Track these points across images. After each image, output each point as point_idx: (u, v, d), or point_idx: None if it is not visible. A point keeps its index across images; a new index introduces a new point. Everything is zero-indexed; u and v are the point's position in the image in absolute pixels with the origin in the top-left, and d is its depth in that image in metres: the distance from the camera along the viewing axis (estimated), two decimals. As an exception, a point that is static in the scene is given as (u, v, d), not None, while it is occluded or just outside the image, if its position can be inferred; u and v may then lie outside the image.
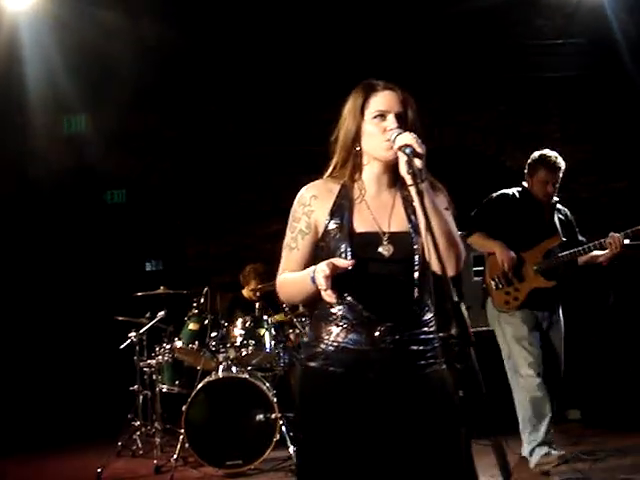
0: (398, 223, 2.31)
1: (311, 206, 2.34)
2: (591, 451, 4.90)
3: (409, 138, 2.17)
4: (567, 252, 4.67)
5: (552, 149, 7.52)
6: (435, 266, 2.26)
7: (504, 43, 7.39)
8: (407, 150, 2.15)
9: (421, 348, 2.32)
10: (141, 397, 5.39)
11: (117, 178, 7.63)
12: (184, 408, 4.92)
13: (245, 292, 6.04)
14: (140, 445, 5.39)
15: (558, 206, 4.84)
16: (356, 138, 2.35)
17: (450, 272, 2.27)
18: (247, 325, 5.17)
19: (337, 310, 2.31)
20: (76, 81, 6.77)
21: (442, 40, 7.29)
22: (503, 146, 7.65)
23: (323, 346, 2.32)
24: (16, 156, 7.20)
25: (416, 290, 2.31)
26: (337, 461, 2.25)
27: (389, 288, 2.29)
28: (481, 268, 5.88)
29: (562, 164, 4.71)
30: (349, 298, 2.28)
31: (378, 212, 2.34)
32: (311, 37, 7.16)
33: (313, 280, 2.17)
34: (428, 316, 2.38)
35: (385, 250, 2.30)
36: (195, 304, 5.35)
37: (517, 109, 7.66)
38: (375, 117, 2.31)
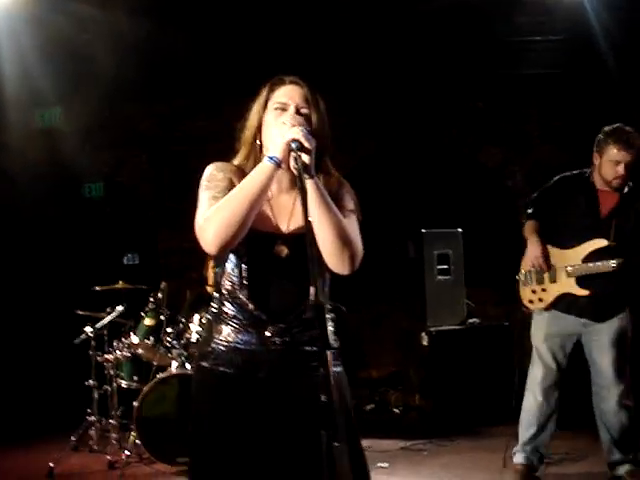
0: (297, 223, 2.26)
1: (230, 175, 2.29)
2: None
3: (296, 132, 2.11)
4: (600, 262, 4.04)
5: (530, 148, 7.57)
6: (330, 266, 2.22)
7: (482, 40, 7.27)
8: (293, 144, 2.09)
9: (314, 349, 2.27)
10: (96, 392, 5.35)
11: (94, 172, 7.60)
12: (135, 404, 4.90)
13: (208, 288, 6.00)
14: (96, 440, 5.36)
15: (631, 198, 4.09)
16: (257, 131, 2.31)
17: (343, 272, 2.23)
18: (203, 321, 5.13)
19: (228, 309, 2.27)
20: (50, 74, 6.73)
21: (419, 36, 7.19)
22: (480, 144, 7.57)
23: (214, 345, 2.28)
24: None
25: (310, 291, 2.26)
26: (225, 462, 2.22)
27: (282, 289, 2.24)
28: (445, 266, 5.88)
29: (637, 142, 4.00)
30: (241, 297, 2.24)
31: (279, 211, 2.30)
32: (286, 35, 7.11)
33: (272, 159, 2.11)
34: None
35: (280, 251, 2.26)
36: (152, 299, 5.32)
37: (495, 106, 7.58)
38: (276, 109, 2.26)
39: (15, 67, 6.72)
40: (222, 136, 7.64)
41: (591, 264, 4.04)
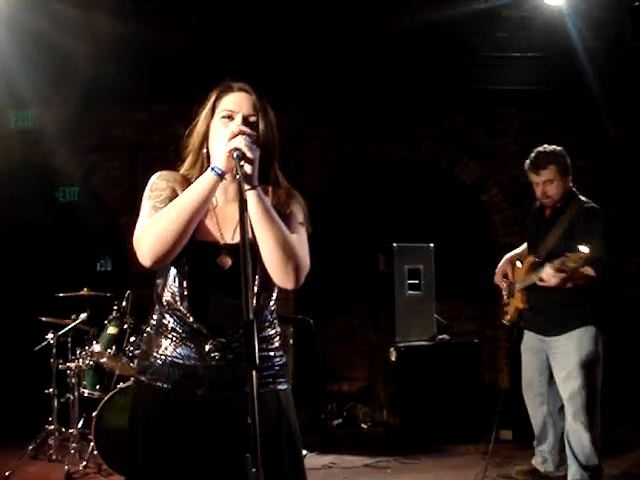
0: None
1: (174, 185, 2.23)
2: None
3: (239, 141, 2.05)
4: (530, 274, 4.18)
5: (508, 162, 7.55)
6: (274, 279, 2.16)
7: (462, 54, 7.28)
8: (235, 154, 2.03)
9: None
10: (56, 401, 5.25)
11: (68, 175, 7.51)
12: (94, 414, 4.81)
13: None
14: (55, 450, 5.25)
15: (570, 209, 4.20)
16: (204, 139, 2.25)
17: (288, 286, 2.17)
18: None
19: (168, 322, 2.20)
20: (25, 76, 6.65)
21: (399, 50, 7.19)
22: (457, 158, 7.54)
23: (152, 359, 2.21)
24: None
25: (253, 306, 2.19)
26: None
27: (224, 302, 2.17)
28: (416, 281, 5.83)
29: (546, 161, 4.23)
30: (181, 309, 2.17)
31: (224, 221, 2.23)
32: (267, 45, 7.09)
33: (214, 170, 2.07)
34: (269, 332, 2.28)
35: (223, 261, 2.19)
36: (116, 308, 5.23)
37: (473, 121, 7.55)
38: (223, 117, 2.20)
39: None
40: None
41: (526, 277, 4.25)
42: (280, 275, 2.13)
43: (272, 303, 2.29)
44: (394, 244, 5.90)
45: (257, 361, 1.75)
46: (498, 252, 7.34)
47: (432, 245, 5.80)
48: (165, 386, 2.17)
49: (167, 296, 2.21)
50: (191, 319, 2.16)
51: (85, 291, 5.43)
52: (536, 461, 4.60)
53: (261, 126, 2.21)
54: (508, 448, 5.39)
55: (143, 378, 2.21)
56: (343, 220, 7.58)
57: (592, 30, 7.04)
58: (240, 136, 2.07)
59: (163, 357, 2.19)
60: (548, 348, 4.28)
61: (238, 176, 2.00)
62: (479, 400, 5.44)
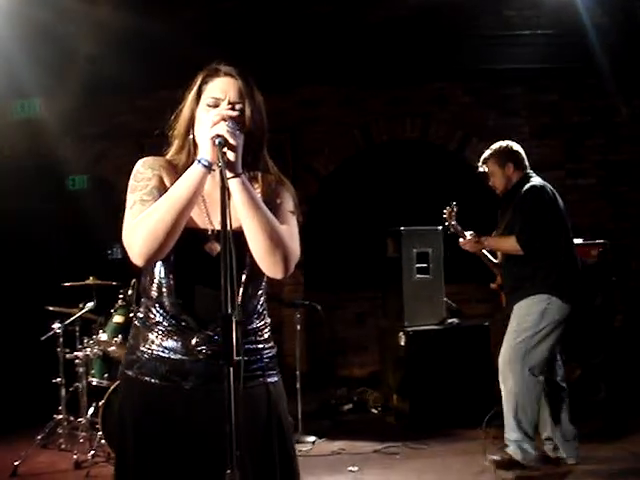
0: (231, 220, 2.13)
1: (160, 172, 2.17)
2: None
3: (222, 127, 1.99)
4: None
5: (519, 143, 7.43)
6: (262, 268, 2.10)
7: (471, 34, 7.18)
8: (217, 140, 1.98)
9: (245, 359, 2.13)
10: (64, 390, 5.25)
11: (76, 164, 7.50)
12: (100, 403, 4.80)
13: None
14: (65, 439, 5.26)
15: (510, 193, 4.62)
16: (190, 124, 2.19)
17: (276, 275, 2.12)
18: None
19: (154, 315, 2.15)
20: (30, 65, 6.62)
21: (407, 30, 7.09)
22: (468, 140, 7.44)
23: (139, 353, 2.16)
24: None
25: (240, 296, 2.14)
26: (148, 475, 2.11)
27: (211, 292, 2.11)
28: (424, 265, 5.77)
29: (485, 158, 4.75)
30: (166, 301, 2.13)
31: (213, 207, 2.16)
32: (275, 29, 7.02)
33: (201, 162, 2.02)
34: (258, 324, 2.23)
35: (211, 248, 2.14)
36: (122, 296, 5.20)
37: (483, 102, 7.45)
38: (209, 105, 2.14)
39: (-5, 56, 6.64)
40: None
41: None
42: (268, 264, 2.08)
43: (261, 293, 2.24)
44: (402, 228, 5.82)
45: (234, 358, 1.70)
46: (509, 234, 7.30)
47: (440, 228, 5.71)
48: (152, 380, 2.13)
49: (153, 288, 2.16)
50: (177, 312, 2.11)
51: (91, 280, 5.40)
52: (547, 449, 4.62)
53: (247, 112, 2.14)
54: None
55: (130, 372, 2.17)
56: (352, 204, 7.53)
57: (602, 6, 6.92)
58: (223, 122, 2.01)
59: (150, 351, 2.14)
60: None
61: (220, 164, 1.95)
62: (489, 384, 5.36)
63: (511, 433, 4.40)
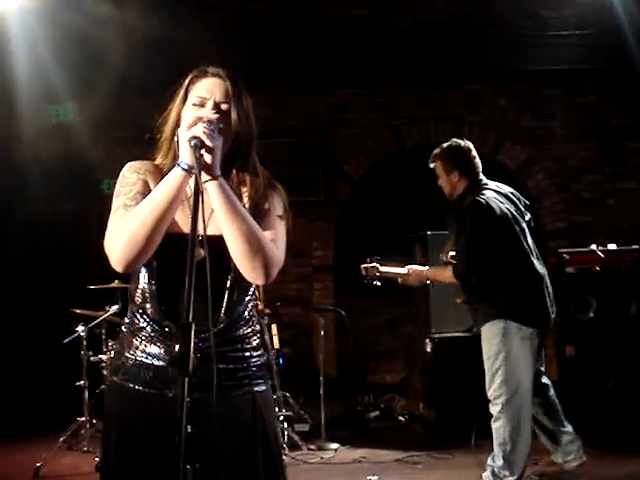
0: (216, 225, 2.08)
1: (145, 176, 2.13)
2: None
3: (198, 129, 1.94)
4: None
5: (555, 146, 7.29)
6: (243, 274, 2.05)
7: (505, 34, 7.02)
8: (193, 142, 1.92)
9: (230, 367, 2.11)
10: (87, 393, 5.27)
11: (110, 167, 7.56)
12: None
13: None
14: (87, 441, 5.28)
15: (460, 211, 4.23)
16: (176, 126, 2.15)
17: (256, 281, 2.06)
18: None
19: (138, 320, 2.12)
20: (63, 70, 6.71)
21: (439, 31, 6.98)
22: (501, 143, 7.29)
23: (124, 359, 2.13)
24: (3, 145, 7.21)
25: (225, 302, 2.09)
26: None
27: (195, 297, 2.07)
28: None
29: (433, 157, 4.43)
30: (150, 307, 2.09)
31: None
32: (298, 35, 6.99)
33: (180, 165, 1.96)
34: (244, 331, 2.17)
35: (196, 255, 2.08)
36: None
37: (518, 104, 7.30)
38: (194, 104, 2.09)
39: (29, 62, 6.73)
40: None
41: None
42: (247, 269, 2.02)
43: (248, 299, 2.18)
44: (428, 232, 5.72)
45: (190, 368, 1.65)
46: (547, 239, 7.13)
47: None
48: (136, 387, 2.09)
49: (138, 293, 2.13)
50: (160, 318, 2.08)
51: (116, 283, 5.43)
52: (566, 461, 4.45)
53: (234, 114, 2.09)
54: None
55: (115, 378, 2.14)
56: (383, 209, 7.44)
57: (640, 6, 6.72)
58: (200, 123, 1.96)
59: (134, 357, 2.10)
60: None
61: (189, 164, 1.91)
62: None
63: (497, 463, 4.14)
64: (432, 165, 4.43)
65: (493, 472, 4.09)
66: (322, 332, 5.47)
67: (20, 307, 6.96)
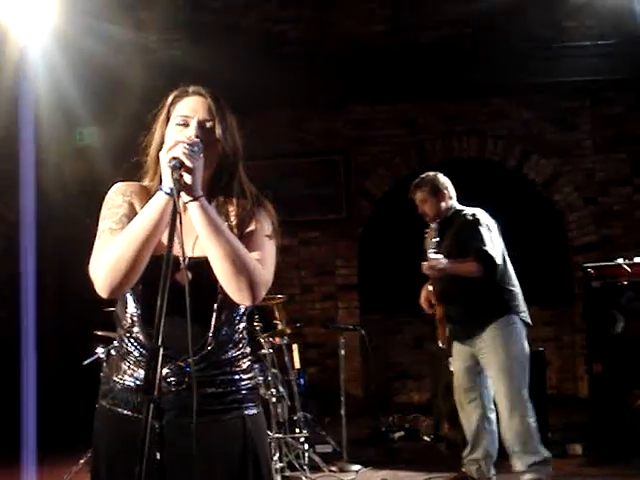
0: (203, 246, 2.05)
1: (131, 198, 2.11)
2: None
3: (178, 150, 1.91)
4: None
5: (582, 158, 7.15)
6: (229, 294, 2.00)
7: (528, 46, 6.94)
8: (172, 163, 1.89)
9: (220, 390, 2.06)
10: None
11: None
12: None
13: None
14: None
15: (456, 221, 4.51)
16: (161, 148, 2.12)
17: (242, 302, 2.01)
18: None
19: (126, 344, 2.08)
20: (85, 94, 6.78)
21: (461, 44, 6.94)
22: (527, 156, 7.18)
23: (112, 384, 2.10)
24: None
25: (213, 325, 2.05)
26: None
27: (182, 321, 2.03)
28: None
29: (418, 186, 4.64)
30: (136, 331, 2.05)
31: (186, 232, 2.07)
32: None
33: (163, 189, 1.93)
34: (234, 354, 2.12)
35: (182, 277, 2.04)
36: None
37: (543, 116, 7.18)
38: (178, 124, 2.07)
39: (51, 87, 6.81)
40: (261, 152, 7.56)
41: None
42: (232, 290, 1.98)
43: (237, 321, 2.13)
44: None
45: (155, 392, 1.60)
46: (575, 253, 7.00)
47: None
48: (124, 412, 2.06)
49: (126, 317, 2.10)
50: (146, 341, 2.04)
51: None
52: (469, 468, 4.61)
53: (218, 131, 2.06)
54: (574, 464, 5.05)
55: (104, 402, 2.12)
56: (407, 226, 7.34)
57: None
58: (180, 144, 1.93)
59: (122, 382, 2.08)
60: (476, 351, 4.44)
61: (172, 187, 1.87)
62: (543, 411, 5.07)
63: (531, 457, 4.31)
64: (416, 193, 4.65)
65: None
66: (342, 351, 5.39)
67: (46, 327, 7.00)
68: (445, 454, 5.55)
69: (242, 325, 2.16)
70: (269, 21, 7.19)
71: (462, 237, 4.37)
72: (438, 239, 4.47)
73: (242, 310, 2.14)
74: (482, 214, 4.44)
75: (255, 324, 5.27)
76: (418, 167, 7.30)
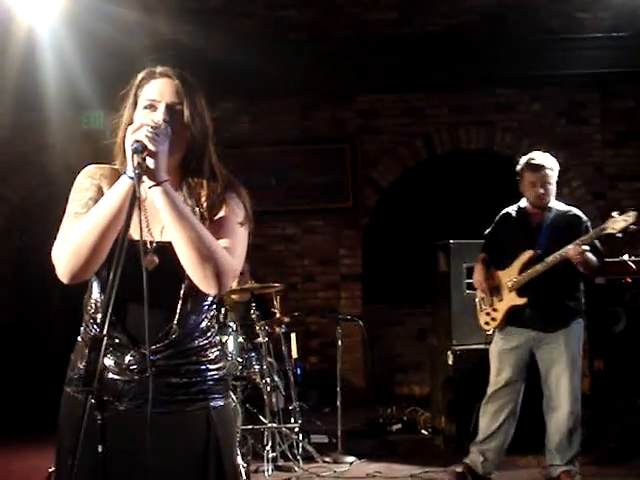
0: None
1: (100, 181, 2.07)
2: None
3: (141, 133, 1.86)
4: (529, 269, 4.35)
5: (591, 152, 7.04)
6: (195, 283, 1.95)
7: (539, 37, 6.84)
8: (134, 146, 1.84)
9: (184, 381, 2.02)
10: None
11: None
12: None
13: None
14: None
15: (558, 212, 4.51)
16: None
17: (209, 291, 1.96)
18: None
19: (90, 331, 2.05)
20: (92, 77, 6.76)
21: (470, 35, 6.85)
22: (535, 149, 7.05)
23: (77, 370, 2.06)
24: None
25: (178, 312, 2.01)
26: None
27: (148, 307, 1.99)
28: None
29: (548, 162, 4.51)
30: (99, 317, 2.01)
31: (153, 215, 2.03)
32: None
33: (127, 173, 1.88)
34: (200, 342, 2.08)
35: (150, 261, 2.00)
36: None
37: (552, 109, 7.08)
38: (145, 107, 2.02)
39: (58, 71, 6.81)
40: (267, 139, 7.50)
41: (524, 273, 4.38)
42: (198, 279, 1.93)
43: (206, 309, 2.09)
44: (451, 241, 5.56)
45: (94, 384, 1.57)
46: (582, 248, 6.88)
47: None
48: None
49: (91, 303, 2.06)
50: (110, 328, 1.99)
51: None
52: (474, 459, 4.55)
53: (186, 113, 2.01)
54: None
55: (69, 389, 2.09)
56: (414, 217, 7.29)
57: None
58: (144, 127, 1.88)
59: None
60: (541, 344, 4.39)
61: (133, 171, 1.82)
62: (542, 407, 5.01)
63: (571, 451, 4.38)
64: (542, 172, 4.50)
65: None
66: (340, 342, 5.35)
67: (48, 316, 7.03)
68: (441, 448, 5.50)
69: (211, 314, 2.12)
70: (277, 7, 7.13)
71: (569, 234, 4.30)
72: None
73: (211, 298, 2.10)
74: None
75: (251, 312, 5.24)
76: (425, 158, 7.25)
